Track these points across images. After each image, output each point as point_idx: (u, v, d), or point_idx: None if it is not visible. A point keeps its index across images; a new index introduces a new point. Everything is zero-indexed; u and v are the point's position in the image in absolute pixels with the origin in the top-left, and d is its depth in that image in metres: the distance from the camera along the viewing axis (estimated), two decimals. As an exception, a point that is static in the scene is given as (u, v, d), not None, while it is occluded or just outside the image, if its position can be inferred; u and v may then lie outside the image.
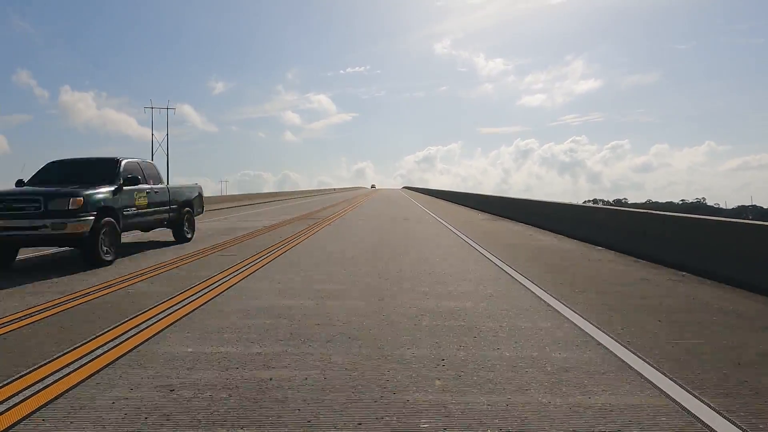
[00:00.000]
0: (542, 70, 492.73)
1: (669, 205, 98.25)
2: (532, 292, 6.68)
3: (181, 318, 5.36)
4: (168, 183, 13.20)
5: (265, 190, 53.17)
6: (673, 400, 3.34)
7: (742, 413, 3.16)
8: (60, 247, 10.46)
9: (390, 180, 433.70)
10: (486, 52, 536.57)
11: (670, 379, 3.69)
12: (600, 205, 15.29)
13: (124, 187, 9.86)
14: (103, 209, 9.02)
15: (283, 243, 12.14)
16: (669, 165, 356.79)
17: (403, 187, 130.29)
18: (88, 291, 6.76)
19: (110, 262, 9.00)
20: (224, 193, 61.20)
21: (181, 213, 12.51)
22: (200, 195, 13.83)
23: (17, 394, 3.44)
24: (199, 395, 3.42)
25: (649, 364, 3.99)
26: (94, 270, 8.48)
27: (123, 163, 10.33)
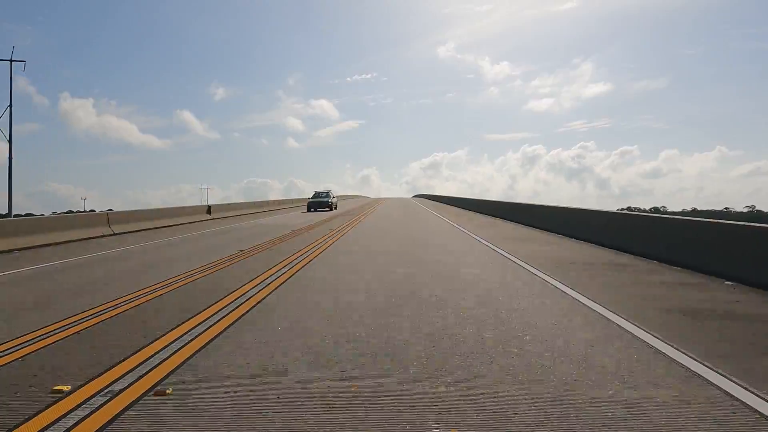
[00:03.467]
0: (549, 73, 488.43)
1: (714, 213, 78.51)
2: None
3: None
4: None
5: (272, 198, 50.77)
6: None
7: None
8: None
9: (396, 187, 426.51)
10: (492, 57, 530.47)
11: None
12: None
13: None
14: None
15: None
16: (679, 171, 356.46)
17: (415, 196, 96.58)
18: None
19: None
20: (204, 202, 53.08)
21: None
22: None
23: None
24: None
25: None
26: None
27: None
